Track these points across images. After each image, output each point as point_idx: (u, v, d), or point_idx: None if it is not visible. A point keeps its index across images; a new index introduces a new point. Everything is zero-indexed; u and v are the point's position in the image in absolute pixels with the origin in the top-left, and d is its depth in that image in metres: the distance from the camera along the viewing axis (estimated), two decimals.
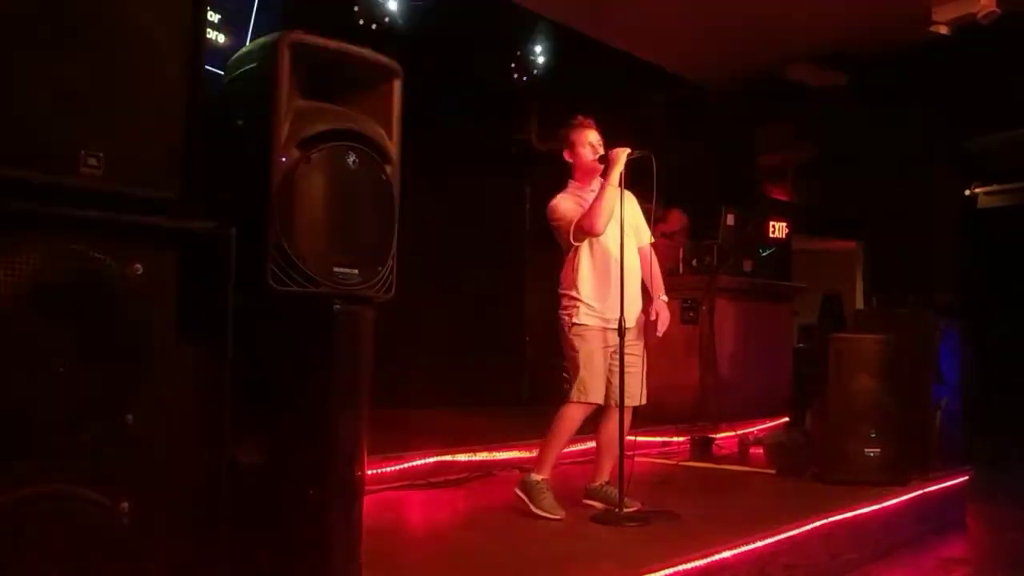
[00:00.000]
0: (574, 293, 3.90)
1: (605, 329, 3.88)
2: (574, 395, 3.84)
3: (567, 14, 7.16)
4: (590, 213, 3.84)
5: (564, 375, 3.98)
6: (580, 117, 4.09)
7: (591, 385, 3.83)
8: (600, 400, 3.86)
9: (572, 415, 3.88)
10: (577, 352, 3.86)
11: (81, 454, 1.76)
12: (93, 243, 1.78)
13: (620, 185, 3.83)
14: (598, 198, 3.85)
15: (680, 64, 8.31)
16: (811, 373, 5.10)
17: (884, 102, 7.76)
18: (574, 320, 3.88)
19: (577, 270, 3.91)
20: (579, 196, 4.01)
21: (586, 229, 3.85)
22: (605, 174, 3.88)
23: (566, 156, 4.08)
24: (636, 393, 3.89)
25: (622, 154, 3.84)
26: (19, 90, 1.73)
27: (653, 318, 4.00)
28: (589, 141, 4.01)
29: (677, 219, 7.44)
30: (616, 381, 3.80)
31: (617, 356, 3.77)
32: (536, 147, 7.93)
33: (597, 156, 3.97)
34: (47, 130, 1.76)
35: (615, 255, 3.87)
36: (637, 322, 3.96)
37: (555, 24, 7.23)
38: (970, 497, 5.36)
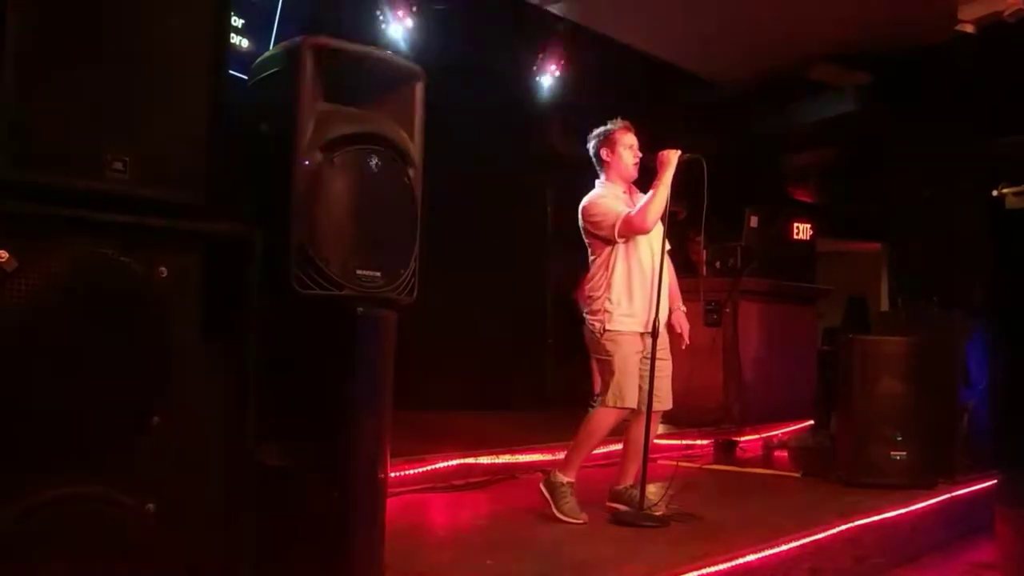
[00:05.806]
0: (608, 297, 3.83)
1: (638, 334, 3.83)
2: (610, 400, 3.79)
3: (587, 16, 7.15)
4: (644, 209, 3.77)
5: (594, 379, 3.91)
6: (621, 119, 4.00)
7: (627, 390, 3.78)
8: (634, 404, 3.81)
9: (605, 419, 3.84)
10: (612, 357, 3.80)
11: (108, 456, 1.78)
12: (119, 246, 1.80)
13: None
14: (654, 195, 3.78)
15: (702, 65, 8.27)
16: (836, 375, 5.06)
17: (909, 102, 7.67)
18: (608, 326, 3.81)
19: (611, 273, 3.84)
20: (618, 196, 3.95)
21: (636, 225, 3.78)
22: (655, 175, 3.82)
23: (603, 155, 3.96)
24: (666, 397, 3.89)
25: (674, 155, 3.81)
26: (46, 96, 1.75)
27: (679, 331, 3.98)
28: (630, 144, 3.96)
29: None
30: (646, 386, 3.77)
31: (647, 361, 3.76)
32: (558, 150, 7.91)
33: (637, 160, 3.93)
34: (73, 135, 1.78)
35: (648, 259, 3.86)
36: (665, 325, 3.94)
37: (576, 26, 7.22)
38: (998, 501, 5.29)
